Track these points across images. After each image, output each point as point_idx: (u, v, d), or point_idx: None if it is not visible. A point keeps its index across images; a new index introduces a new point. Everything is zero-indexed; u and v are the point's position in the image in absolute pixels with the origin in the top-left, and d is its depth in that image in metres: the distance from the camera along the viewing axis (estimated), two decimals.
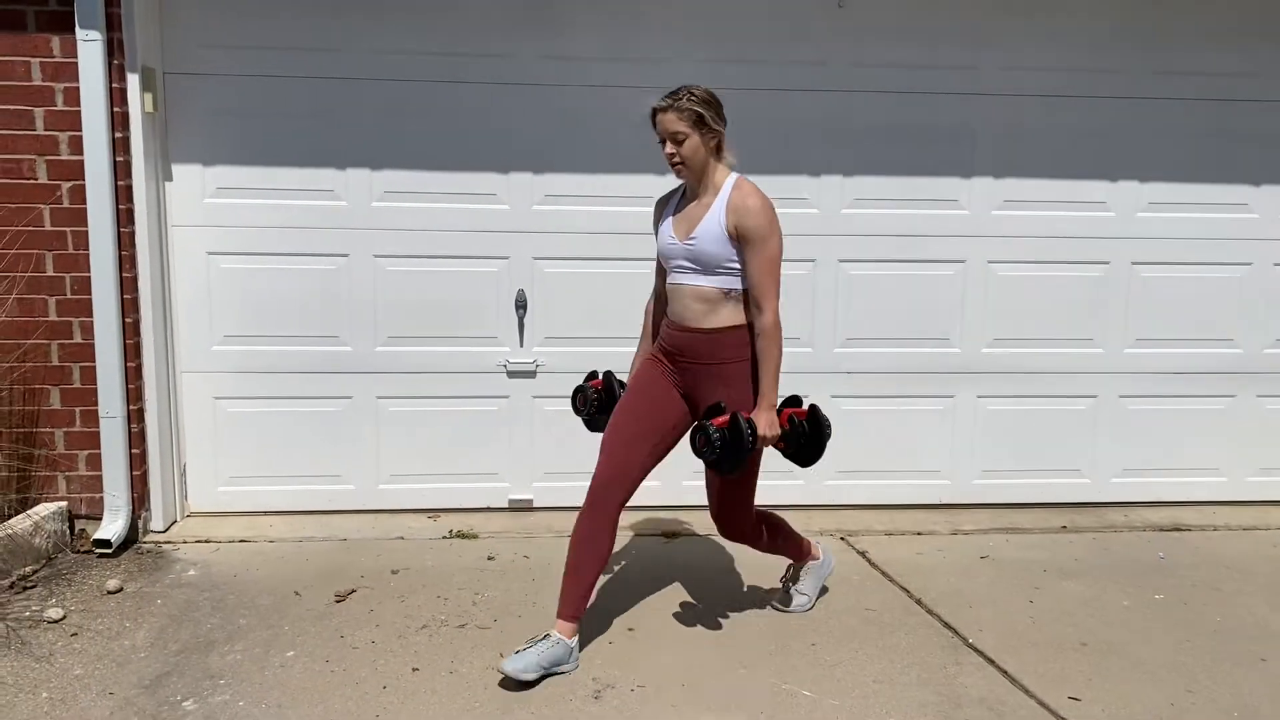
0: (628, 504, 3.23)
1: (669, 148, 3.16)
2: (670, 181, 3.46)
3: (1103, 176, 4.67)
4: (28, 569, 3.86)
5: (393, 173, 4.38)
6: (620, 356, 4.42)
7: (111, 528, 4.07)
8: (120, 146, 3.99)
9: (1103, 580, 4.01)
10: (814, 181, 4.55)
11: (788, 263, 4.47)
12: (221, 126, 4.27)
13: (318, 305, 4.43)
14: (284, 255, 4.38)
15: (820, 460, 3.29)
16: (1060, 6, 4.52)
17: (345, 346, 4.48)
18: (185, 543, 4.22)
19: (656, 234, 3.38)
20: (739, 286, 3.18)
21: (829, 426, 3.24)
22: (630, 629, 3.48)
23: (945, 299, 4.70)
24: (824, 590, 3.75)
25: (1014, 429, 4.83)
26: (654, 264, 3.47)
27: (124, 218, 4.04)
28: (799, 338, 4.64)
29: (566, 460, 4.63)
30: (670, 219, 3.31)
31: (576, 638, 3.21)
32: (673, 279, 3.28)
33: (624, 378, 3.58)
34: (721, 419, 3.09)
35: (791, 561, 3.70)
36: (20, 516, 3.97)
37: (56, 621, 3.46)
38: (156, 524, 4.28)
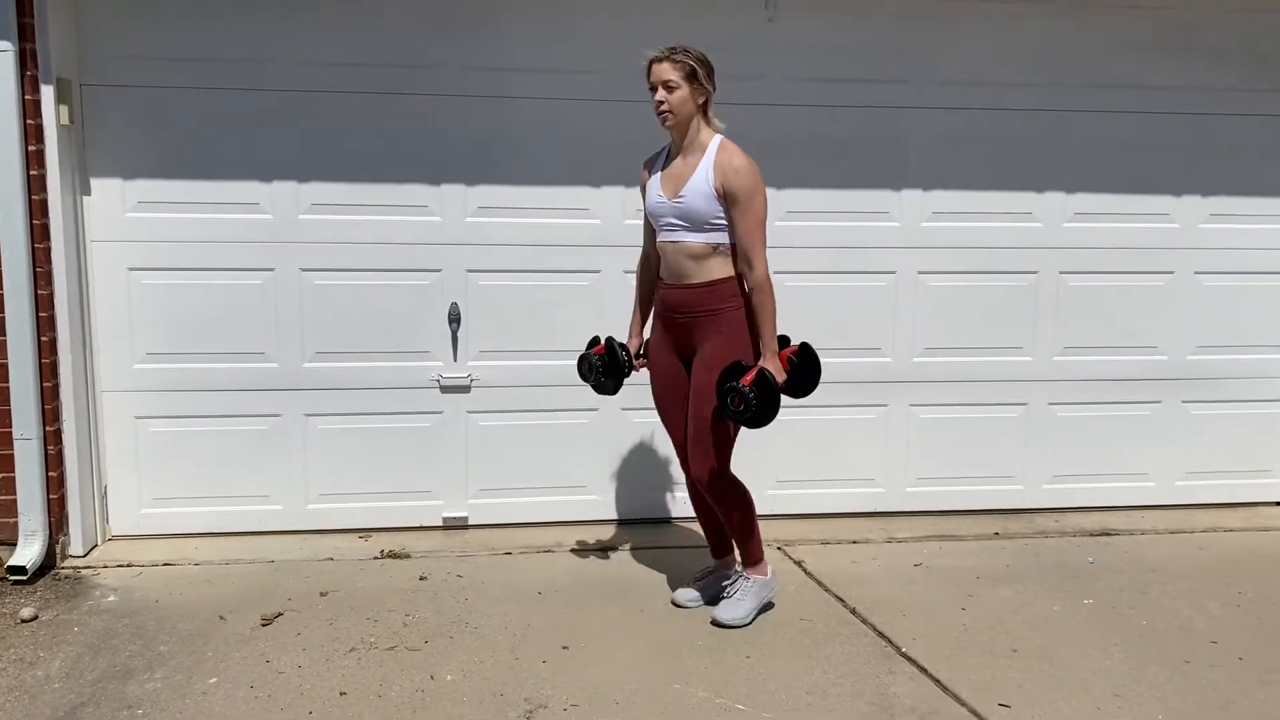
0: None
1: (660, 94, 3.35)
2: (652, 141, 3.64)
3: (1030, 188, 4.74)
4: None
5: (320, 185, 4.30)
6: (556, 370, 4.43)
7: (26, 554, 3.93)
8: (34, 160, 3.88)
9: (1034, 586, 4.05)
10: None
11: None
12: (142, 139, 4.17)
13: (243, 321, 4.33)
14: (207, 270, 4.28)
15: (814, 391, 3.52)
16: (989, 22, 4.58)
17: (272, 363, 4.38)
18: (106, 567, 4.09)
19: (644, 194, 3.58)
20: (726, 241, 3.39)
21: (818, 361, 3.50)
22: (564, 646, 3.44)
23: (877, 309, 4.74)
24: (767, 606, 3.72)
25: (947, 437, 4.88)
26: (641, 225, 3.71)
27: (38, 233, 3.92)
28: None
29: (502, 476, 4.58)
30: (658, 176, 3.51)
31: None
32: (663, 237, 3.48)
33: (623, 339, 3.77)
34: (748, 377, 3.27)
35: (739, 566, 3.70)
36: None
37: None
38: (75, 548, 4.15)
